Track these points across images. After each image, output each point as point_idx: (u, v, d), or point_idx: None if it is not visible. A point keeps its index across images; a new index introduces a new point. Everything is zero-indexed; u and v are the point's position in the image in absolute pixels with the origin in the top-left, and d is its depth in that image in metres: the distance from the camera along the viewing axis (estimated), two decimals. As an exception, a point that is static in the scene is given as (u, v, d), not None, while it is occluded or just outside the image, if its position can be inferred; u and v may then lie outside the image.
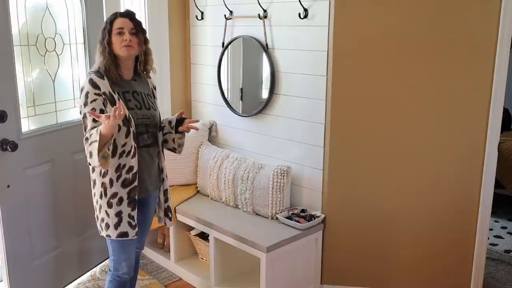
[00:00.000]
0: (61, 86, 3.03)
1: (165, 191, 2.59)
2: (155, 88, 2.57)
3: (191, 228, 3.37)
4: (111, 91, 2.25)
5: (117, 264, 2.43)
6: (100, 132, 2.09)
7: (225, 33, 3.44)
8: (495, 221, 4.38)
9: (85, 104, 2.21)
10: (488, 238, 3.82)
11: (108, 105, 2.23)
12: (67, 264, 3.13)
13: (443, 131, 2.83)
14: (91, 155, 2.15)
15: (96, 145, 2.11)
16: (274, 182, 3.04)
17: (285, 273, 2.92)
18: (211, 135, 3.70)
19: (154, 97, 2.53)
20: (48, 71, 2.94)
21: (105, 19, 2.36)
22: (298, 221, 2.94)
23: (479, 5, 2.67)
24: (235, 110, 3.52)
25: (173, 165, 3.54)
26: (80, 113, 2.26)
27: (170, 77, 3.78)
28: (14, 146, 2.58)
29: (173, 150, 2.56)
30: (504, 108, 2.89)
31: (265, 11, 3.16)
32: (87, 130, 2.20)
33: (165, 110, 3.79)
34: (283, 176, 3.04)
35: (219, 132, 3.70)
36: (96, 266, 3.39)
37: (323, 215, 3.03)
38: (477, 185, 2.86)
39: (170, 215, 2.63)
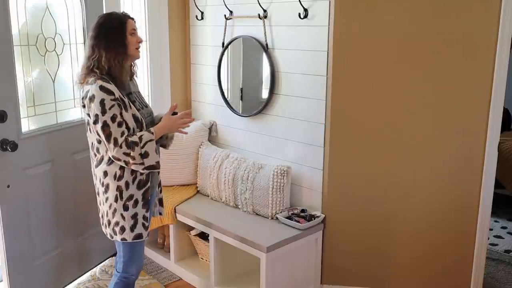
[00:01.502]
0: (61, 86, 3.04)
1: (159, 183, 2.60)
2: (137, 85, 2.57)
3: (191, 228, 3.37)
4: (120, 95, 2.24)
5: (127, 266, 2.43)
6: (155, 132, 2.28)
7: (225, 33, 3.44)
8: (495, 221, 4.38)
9: (104, 112, 2.17)
10: (488, 238, 3.81)
11: (123, 110, 2.22)
12: (67, 264, 3.13)
13: (443, 131, 2.83)
14: (147, 155, 2.23)
15: (153, 143, 2.25)
16: (274, 182, 3.04)
17: (285, 273, 2.92)
18: (211, 135, 3.70)
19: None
20: (48, 71, 2.94)
21: (118, 19, 2.30)
22: (298, 221, 2.94)
23: (479, 5, 2.67)
24: (235, 110, 3.52)
25: (173, 165, 3.54)
26: (96, 122, 2.20)
27: (170, 77, 3.78)
28: (14, 146, 2.58)
29: (164, 146, 2.57)
30: (504, 108, 2.89)
31: (265, 11, 3.16)
32: (112, 136, 2.18)
33: (165, 110, 3.78)
34: (283, 176, 3.03)
35: (219, 132, 3.70)
36: (96, 266, 3.39)
37: (323, 215, 3.03)
38: (477, 185, 2.86)
39: (162, 204, 2.65)
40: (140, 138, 2.22)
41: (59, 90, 3.02)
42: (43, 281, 2.94)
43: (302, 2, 2.91)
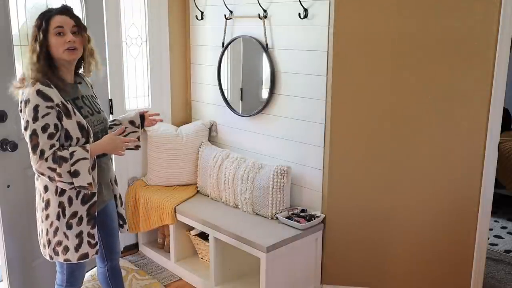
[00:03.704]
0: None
1: (119, 196, 2.46)
2: (93, 87, 2.37)
3: (191, 228, 3.37)
4: (63, 100, 2.02)
5: (72, 279, 2.32)
6: (90, 150, 2.04)
7: (225, 33, 3.44)
8: (495, 221, 4.38)
9: (35, 120, 1.96)
10: (488, 238, 3.82)
11: (64, 118, 2.01)
12: (67, 264, 3.12)
13: (443, 131, 2.83)
14: (76, 174, 1.99)
15: (86, 162, 2.01)
16: (274, 182, 3.04)
17: (285, 273, 2.92)
18: (211, 135, 3.71)
19: (97, 97, 2.34)
20: (48, 71, 2.93)
21: (41, 16, 2.07)
22: (298, 221, 2.94)
23: (479, 5, 2.67)
24: (235, 110, 3.52)
25: (173, 165, 3.54)
26: (26, 129, 1.99)
27: (170, 77, 3.78)
28: (14, 146, 2.58)
29: (136, 148, 2.41)
30: (504, 108, 2.88)
31: (265, 11, 3.16)
32: (39, 147, 1.97)
33: (165, 110, 3.79)
34: (283, 176, 3.03)
35: (219, 132, 3.70)
36: (96, 266, 3.38)
37: (323, 215, 3.03)
38: (477, 185, 2.86)
39: (121, 223, 2.49)
40: (71, 154, 1.99)
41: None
42: (43, 281, 2.94)
43: (302, 2, 2.91)
